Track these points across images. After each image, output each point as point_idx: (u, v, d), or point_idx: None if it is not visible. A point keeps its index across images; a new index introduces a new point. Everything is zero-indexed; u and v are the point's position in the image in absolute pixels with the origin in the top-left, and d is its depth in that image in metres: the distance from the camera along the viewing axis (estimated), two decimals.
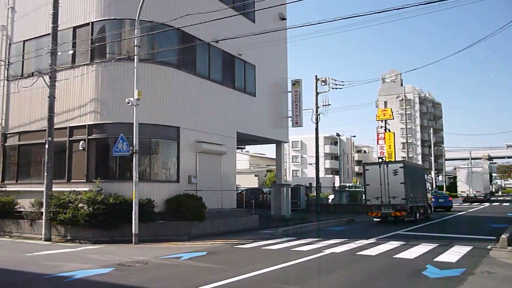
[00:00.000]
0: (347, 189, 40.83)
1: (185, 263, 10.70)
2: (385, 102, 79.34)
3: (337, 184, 48.24)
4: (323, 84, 31.34)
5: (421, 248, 12.50)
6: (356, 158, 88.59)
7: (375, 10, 11.99)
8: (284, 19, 25.63)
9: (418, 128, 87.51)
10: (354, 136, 73.27)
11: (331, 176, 68.64)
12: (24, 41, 19.02)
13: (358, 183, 60.09)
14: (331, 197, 37.91)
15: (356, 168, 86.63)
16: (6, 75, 19.30)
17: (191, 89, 18.47)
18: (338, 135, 58.80)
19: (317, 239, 15.27)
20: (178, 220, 16.00)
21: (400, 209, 21.76)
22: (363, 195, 25.10)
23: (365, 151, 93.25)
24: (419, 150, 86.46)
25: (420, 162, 74.71)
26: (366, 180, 23.08)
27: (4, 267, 10.20)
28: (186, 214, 15.99)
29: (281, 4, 23.75)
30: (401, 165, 22.59)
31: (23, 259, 11.47)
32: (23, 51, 18.95)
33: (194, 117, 18.48)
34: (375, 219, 23.08)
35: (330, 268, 9.92)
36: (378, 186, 22.24)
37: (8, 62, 19.29)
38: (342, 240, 14.81)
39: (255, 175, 58.71)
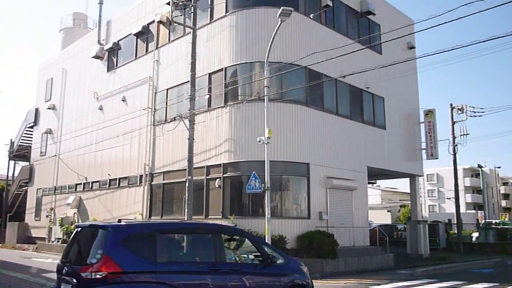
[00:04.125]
0: (493, 226, 36.94)
1: None
2: None
3: (482, 220, 43.91)
4: (459, 112, 29.25)
5: None
6: (502, 192, 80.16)
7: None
8: (413, 47, 24.78)
9: None
10: (499, 167, 66.54)
11: (473, 211, 62.88)
12: (167, 89, 21.07)
13: (507, 219, 54.10)
14: (475, 235, 34.61)
15: (503, 203, 78.29)
16: (152, 121, 21.47)
17: (319, 125, 18.61)
18: (480, 166, 54.05)
19: (461, 282, 13.97)
20: (310, 257, 15.85)
21: None
22: None
23: None
24: None
25: None
26: None
27: None
28: (318, 251, 15.83)
29: (409, 34, 23.01)
30: None
31: None
32: (166, 98, 20.96)
33: (323, 152, 18.50)
34: None
35: None
36: None
37: (154, 109, 21.49)
38: (492, 284, 13.35)
39: (388, 211, 56.10)
